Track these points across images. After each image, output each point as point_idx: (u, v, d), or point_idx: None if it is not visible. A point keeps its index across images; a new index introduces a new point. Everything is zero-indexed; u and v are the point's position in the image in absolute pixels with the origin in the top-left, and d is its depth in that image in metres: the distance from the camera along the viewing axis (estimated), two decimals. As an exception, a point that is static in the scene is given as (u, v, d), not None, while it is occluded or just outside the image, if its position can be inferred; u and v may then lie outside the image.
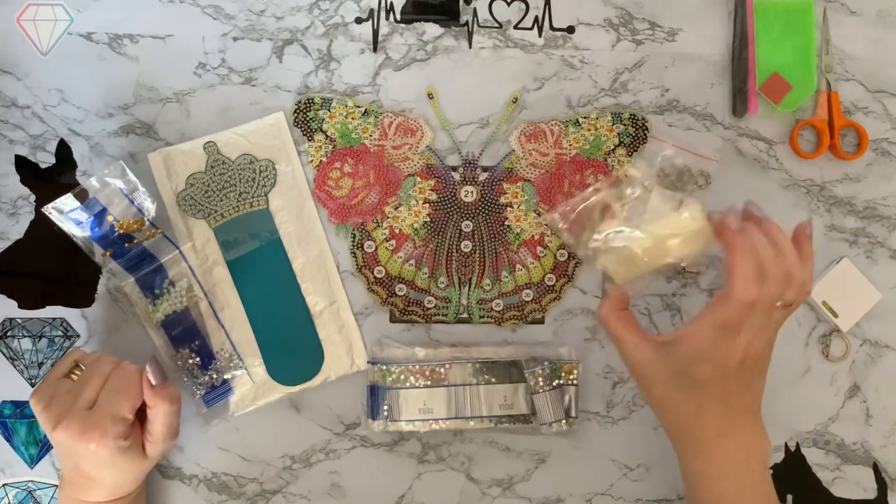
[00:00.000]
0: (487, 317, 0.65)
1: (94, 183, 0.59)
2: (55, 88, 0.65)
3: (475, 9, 0.67)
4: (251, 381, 0.64)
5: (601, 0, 0.67)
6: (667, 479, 0.64)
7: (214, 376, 0.63)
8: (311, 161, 0.65)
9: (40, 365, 0.64)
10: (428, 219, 0.65)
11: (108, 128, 0.65)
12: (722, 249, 0.48)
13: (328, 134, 0.65)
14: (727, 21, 0.67)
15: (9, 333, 0.64)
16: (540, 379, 0.62)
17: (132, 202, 0.60)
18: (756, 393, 0.51)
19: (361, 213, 0.65)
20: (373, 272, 0.65)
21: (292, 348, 0.64)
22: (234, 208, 0.64)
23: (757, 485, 0.51)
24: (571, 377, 0.63)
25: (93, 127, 0.65)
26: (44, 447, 0.64)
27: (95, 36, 0.66)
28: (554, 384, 0.62)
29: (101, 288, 0.64)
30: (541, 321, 0.65)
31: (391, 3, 0.67)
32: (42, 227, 0.64)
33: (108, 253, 0.60)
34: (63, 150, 0.65)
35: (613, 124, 0.65)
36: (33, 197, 0.65)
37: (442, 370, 0.63)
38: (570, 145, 0.65)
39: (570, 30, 0.67)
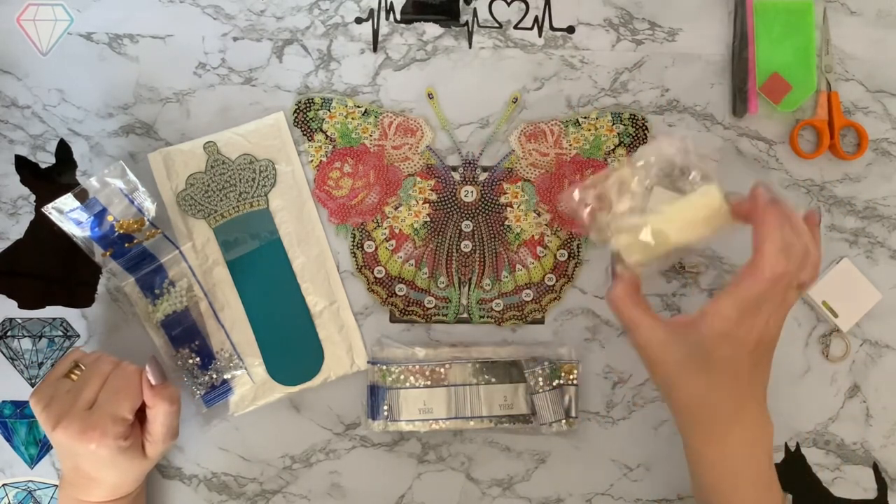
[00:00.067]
0: (487, 317, 0.65)
1: (94, 183, 0.59)
2: (55, 88, 0.65)
3: (475, 9, 0.67)
4: (251, 381, 0.64)
5: (601, 0, 0.67)
6: (667, 479, 0.64)
7: (214, 376, 0.63)
8: (311, 161, 0.65)
9: (40, 365, 0.64)
10: (428, 219, 0.65)
11: (108, 128, 0.65)
12: (753, 225, 0.47)
13: (328, 134, 0.65)
14: (727, 21, 0.67)
15: (9, 333, 0.64)
16: (540, 379, 0.62)
17: (132, 202, 0.60)
18: (764, 376, 0.51)
19: (361, 213, 0.65)
20: (373, 272, 0.65)
21: (292, 348, 0.64)
22: (234, 208, 0.64)
23: (766, 469, 0.51)
24: (571, 377, 0.63)
25: (93, 127, 0.65)
26: (44, 447, 0.64)
27: (95, 36, 0.66)
28: (554, 384, 0.62)
29: (101, 288, 0.64)
30: (541, 321, 0.65)
31: (391, 3, 0.67)
32: (42, 227, 0.64)
33: (108, 253, 0.60)
34: (63, 150, 0.65)
35: (613, 124, 0.66)
36: (33, 197, 0.65)
37: (442, 370, 0.63)
38: (570, 145, 0.65)
39: (570, 30, 0.67)
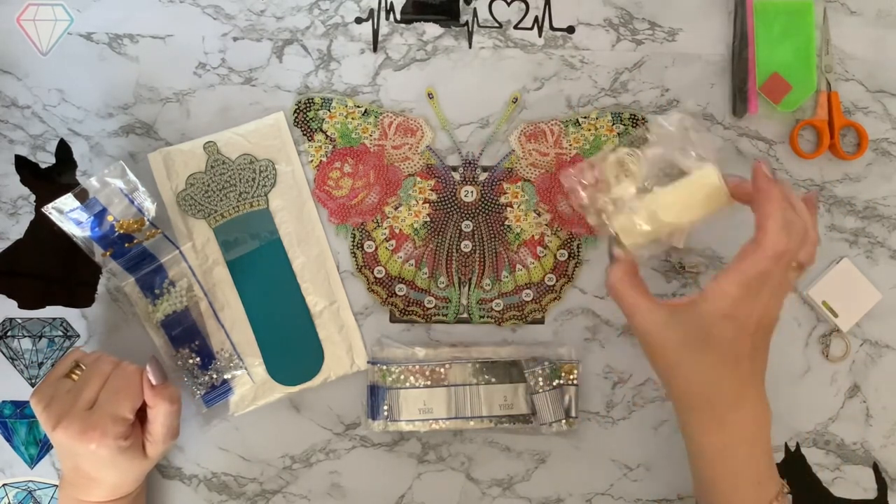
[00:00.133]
0: (487, 317, 0.65)
1: (94, 183, 0.59)
2: (55, 88, 0.65)
3: (475, 9, 0.67)
4: (251, 381, 0.64)
5: (601, 0, 0.67)
6: (667, 479, 0.64)
7: (214, 376, 0.63)
8: (311, 161, 0.65)
9: (40, 365, 0.64)
10: (428, 219, 0.65)
11: (108, 128, 0.65)
12: (754, 204, 0.47)
13: (328, 134, 0.65)
14: (727, 21, 0.67)
15: (9, 333, 0.64)
16: (540, 379, 0.62)
17: (132, 202, 0.60)
18: (763, 361, 0.50)
19: (361, 213, 0.65)
20: (373, 272, 0.65)
21: (292, 348, 0.64)
22: (234, 208, 0.64)
23: (765, 455, 0.51)
24: (571, 377, 0.63)
25: (93, 127, 0.65)
26: (44, 447, 0.64)
27: (95, 36, 0.66)
28: (554, 384, 0.62)
29: (101, 288, 0.64)
30: (541, 321, 0.65)
31: (391, 3, 0.67)
32: (42, 227, 0.64)
33: (108, 253, 0.60)
34: (63, 150, 0.65)
35: (613, 124, 0.66)
36: (33, 197, 0.65)
37: (442, 370, 0.63)
38: (570, 145, 0.65)
39: (570, 30, 0.67)
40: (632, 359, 0.65)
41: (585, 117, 0.66)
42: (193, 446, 0.64)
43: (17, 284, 0.64)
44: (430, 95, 0.66)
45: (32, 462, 0.64)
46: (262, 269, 0.64)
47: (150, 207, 0.60)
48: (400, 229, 0.65)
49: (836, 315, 0.65)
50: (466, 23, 0.67)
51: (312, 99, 0.65)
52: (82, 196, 0.59)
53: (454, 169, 0.66)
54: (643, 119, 0.65)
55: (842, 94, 0.66)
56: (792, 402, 0.65)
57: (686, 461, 0.54)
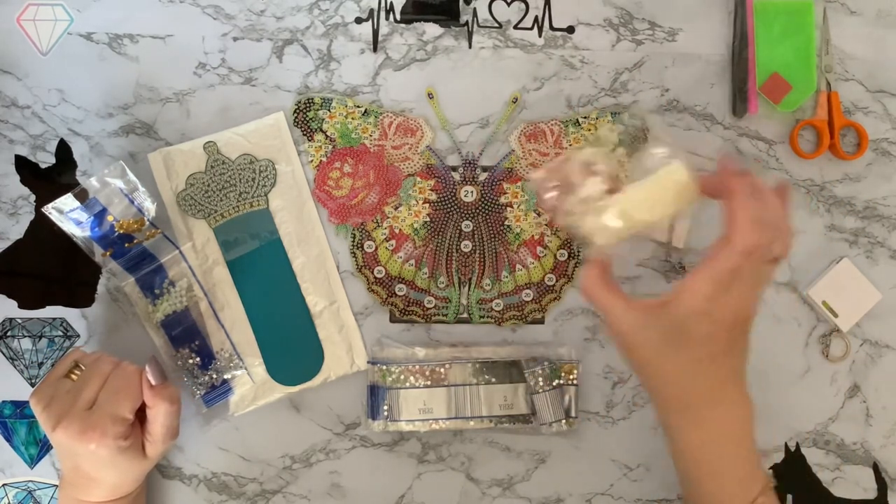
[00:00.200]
0: (487, 317, 0.65)
1: (94, 183, 0.59)
2: (55, 88, 0.65)
3: (475, 9, 0.67)
4: (251, 381, 0.64)
5: (601, 0, 0.67)
6: (667, 479, 0.64)
7: (214, 376, 0.63)
8: (311, 161, 0.65)
9: (40, 365, 0.64)
10: (428, 219, 0.65)
11: (108, 128, 0.65)
12: (722, 199, 0.47)
13: (328, 134, 0.65)
14: (727, 21, 0.67)
15: (9, 333, 0.64)
16: (540, 379, 0.62)
17: (132, 202, 0.60)
18: (742, 356, 0.49)
19: (361, 213, 0.65)
20: (373, 272, 0.65)
21: (292, 348, 0.64)
22: (234, 208, 0.64)
23: (749, 452, 0.51)
24: (571, 377, 0.63)
25: (93, 127, 0.65)
26: (44, 447, 0.64)
27: (95, 36, 0.66)
28: (554, 384, 0.62)
29: (101, 288, 0.64)
30: (541, 321, 0.65)
31: (391, 3, 0.67)
32: (42, 227, 0.64)
33: (108, 253, 0.60)
34: (63, 150, 0.65)
35: (613, 124, 0.65)
36: (33, 197, 0.65)
37: (442, 370, 0.63)
38: (570, 145, 0.65)
39: (570, 30, 0.67)
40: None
41: (585, 117, 0.66)
42: (193, 446, 0.64)
43: (17, 284, 0.64)
44: (430, 95, 0.66)
45: (32, 462, 0.64)
46: (262, 269, 0.64)
47: (150, 207, 0.60)
48: (400, 229, 0.65)
49: (836, 315, 0.65)
50: (466, 23, 0.67)
51: (312, 99, 0.65)
52: (82, 196, 0.59)
53: (454, 169, 0.66)
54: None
55: (842, 94, 0.66)
56: (792, 402, 0.65)
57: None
